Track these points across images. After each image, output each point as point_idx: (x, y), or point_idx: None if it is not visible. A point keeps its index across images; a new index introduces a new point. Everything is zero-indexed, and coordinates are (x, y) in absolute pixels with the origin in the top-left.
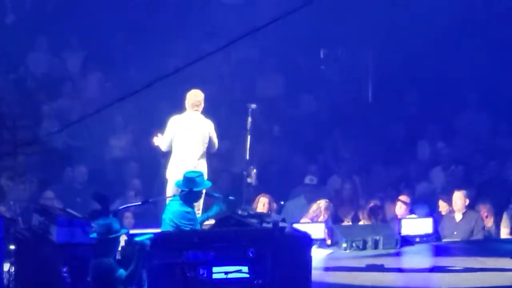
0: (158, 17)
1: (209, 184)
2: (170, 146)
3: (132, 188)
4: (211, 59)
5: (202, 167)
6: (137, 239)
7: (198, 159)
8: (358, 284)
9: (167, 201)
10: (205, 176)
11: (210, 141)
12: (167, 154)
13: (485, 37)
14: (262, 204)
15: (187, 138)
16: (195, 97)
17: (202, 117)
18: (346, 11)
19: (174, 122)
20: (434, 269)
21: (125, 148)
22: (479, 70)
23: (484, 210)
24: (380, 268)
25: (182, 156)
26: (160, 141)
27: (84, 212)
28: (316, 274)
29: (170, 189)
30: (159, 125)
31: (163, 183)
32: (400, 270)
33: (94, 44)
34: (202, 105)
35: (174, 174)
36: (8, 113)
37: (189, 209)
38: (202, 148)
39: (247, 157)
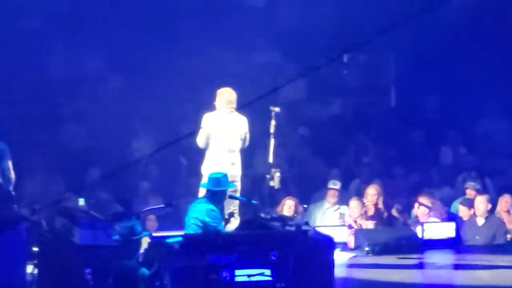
0: (179, 19)
1: (233, 185)
2: (207, 143)
3: (153, 190)
4: (234, 62)
5: (238, 163)
6: (168, 241)
7: (236, 155)
8: None
9: (190, 203)
10: (240, 172)
11: (245, 138)
12: (188, 155)
13: (507, 44)
14: (288, 207)
15: (225, 135)
16: (230, 94)
17: (238, 113)
18: (369, 16)
19: (210, 120)
20: (456, 272)
21: (146, 150)
22: (500, 76)
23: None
24: (403, 272)
25: (221, 153)
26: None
27: (106, 214)
28: (339, 277)
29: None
30: (180, 127)
31: (184, 185)
32: (422, 273)
33: (113, 46)
34: (236, 102)
35: (211, 170)
36: (29, 115)
37: (214, 208)
38: (239, 144)
39: (270, 160)
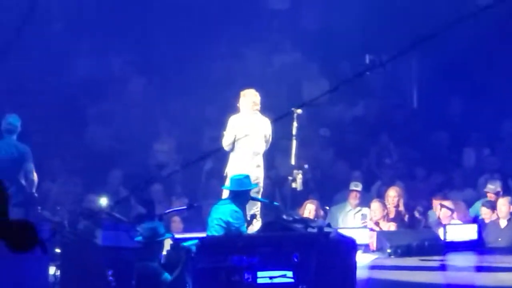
0: (203, 21)
1: (255, 185)
2: (233, 146)
3: (176, 192)
4: (256, 63)
5: (262, 165)
6: (184, 244)
7: (260, 158)
8: None
9: (214, 205)
10: (263, 174)
11: (269, 140)
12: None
13: None
14: (308, 210)
15: (251, 137)
16: (255, 96)
17: (262, 115)
18: (392, 17)
19: (236, 122)
20: (479, 275)
21: (168, 152)
22: None
23: None
24: (425, 274)
25: (246, 155)
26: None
27: (129, 215)
28: (361, 279)
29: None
30: (203, 128)
31: (206, 187)
32: (444, 275)
33: (138, 48)
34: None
35: (236, 173)
36: (54, 116)
37: (237, 209)
38: (264, 146)
39: (292, 162)
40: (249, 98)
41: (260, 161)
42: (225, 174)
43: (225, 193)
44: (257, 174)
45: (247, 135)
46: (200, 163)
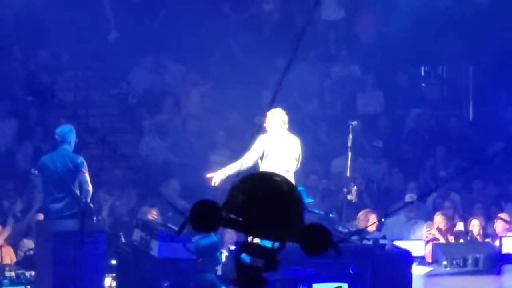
0: (257, 33)
1: (310, 200)
2: (254, 164)
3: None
4: (312, 76)
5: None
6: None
7: (290, 176)
8: None
9: None
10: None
11: (299, 158)
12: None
13: None
14: (364, 222)
15: (282, 155)
16: (283, 115)
17: (291, 134)
18: (447, 28)
19: (267, 141)
20: None
21: (225, 164)
22: None
23: None
24: (480, 286)
25: (277, 172)
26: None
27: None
28: None
29: None
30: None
31: None
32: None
33: (194, 60)
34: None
35: None
36: (110, 128)
37: None
38: (294, 165)
39: (348, 174)
40: (278, 117)
41: (291, 179)
42: None
43: None
44: None
45: (277, 154)
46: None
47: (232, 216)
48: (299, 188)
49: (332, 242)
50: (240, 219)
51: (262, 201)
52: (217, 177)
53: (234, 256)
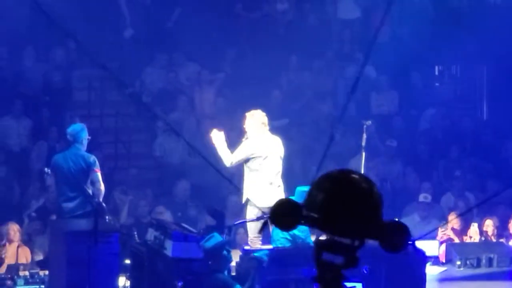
0: (271, 32)
1: None
2: (236, 164)
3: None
4: (325, 75)
5: (282, 185)
6: (255, 254)
7: (279, 177)
8: None
9: None
10: (283, 194)
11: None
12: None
13: None
14: None
15: (271, 157)
16: (263, 117)
17: (273, 135)
18: (461, 28)
19: (254, 143)
20: None
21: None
22: None
23: None
24: (494, 286)
25: (270, 176)
26: (223, 152)
27: (198, 227)
28: None
29: (252, 210)
30: None
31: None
32: None
33: (208, 59)
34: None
35: (258, 194)
36: (124, 127)
37: None
38: (281, 165)
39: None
40: (258, 119)
41: (280, 181)
42: (244, 201)
43: None
44: (279, 195)
45: (267, 156)
46: None
47: (313, 214)
48: (308, 186)
49: (410, 240)
50: (321, 217)
51: (341, 199)
52: (218, 139)
53: (314, 254)
